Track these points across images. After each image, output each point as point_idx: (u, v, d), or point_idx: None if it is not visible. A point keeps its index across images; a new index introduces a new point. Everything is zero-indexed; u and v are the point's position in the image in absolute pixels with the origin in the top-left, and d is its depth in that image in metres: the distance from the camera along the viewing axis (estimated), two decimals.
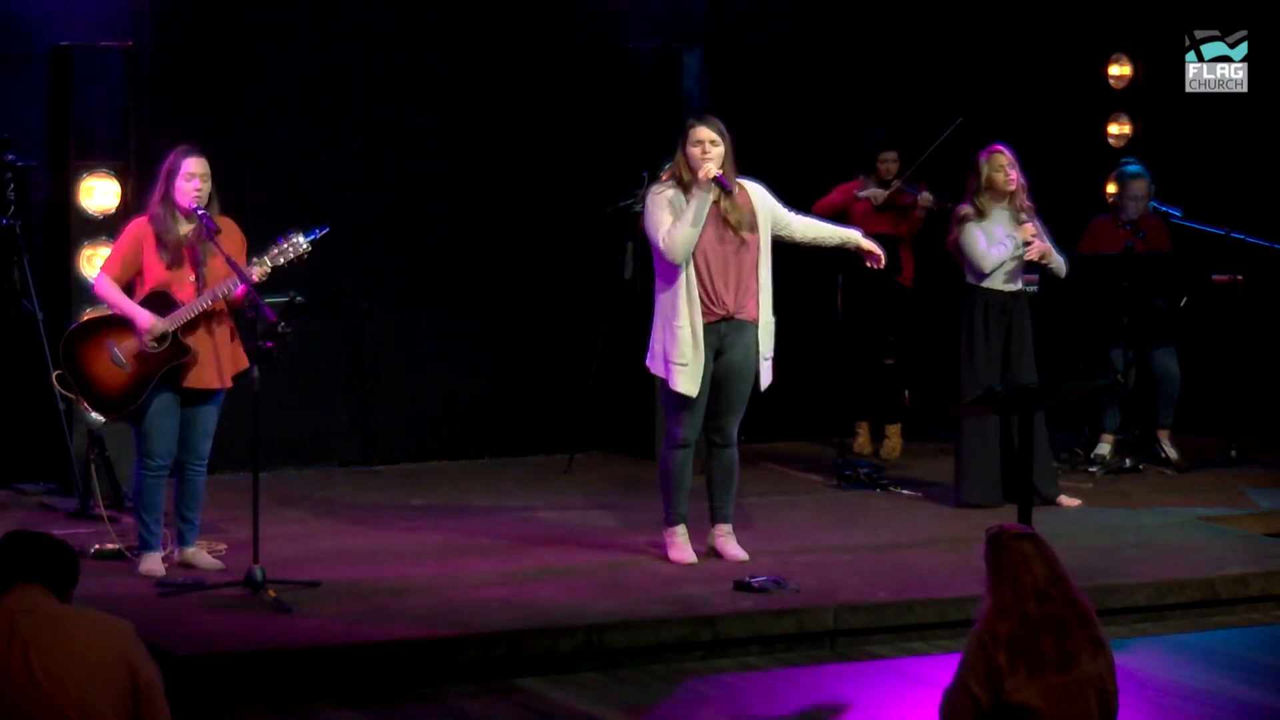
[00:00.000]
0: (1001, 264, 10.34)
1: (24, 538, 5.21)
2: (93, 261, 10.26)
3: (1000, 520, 6.14)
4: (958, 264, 10.54)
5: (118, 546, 9.19)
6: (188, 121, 10.78)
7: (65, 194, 10.41)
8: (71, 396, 9.19)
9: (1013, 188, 10.37)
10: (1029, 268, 10.56)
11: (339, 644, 7.87)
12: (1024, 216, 10.37)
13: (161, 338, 8.69)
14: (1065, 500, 10.51)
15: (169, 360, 8.71)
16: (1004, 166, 10.36)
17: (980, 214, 10.37)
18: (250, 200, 11.03)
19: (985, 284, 10.39)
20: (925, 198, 11.61)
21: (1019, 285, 10.46)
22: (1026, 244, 10.30)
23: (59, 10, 10.65)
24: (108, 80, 10.44)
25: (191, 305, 8.70)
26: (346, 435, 11.65)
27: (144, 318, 8.68)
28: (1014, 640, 5.50)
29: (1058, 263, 10.45)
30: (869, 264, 9.43)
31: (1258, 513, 10.56)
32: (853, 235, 9.51)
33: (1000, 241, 10.32)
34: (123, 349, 8.75)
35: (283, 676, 7.71)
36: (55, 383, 9.30)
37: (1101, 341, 11.65)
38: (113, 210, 10.32)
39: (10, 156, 10.28)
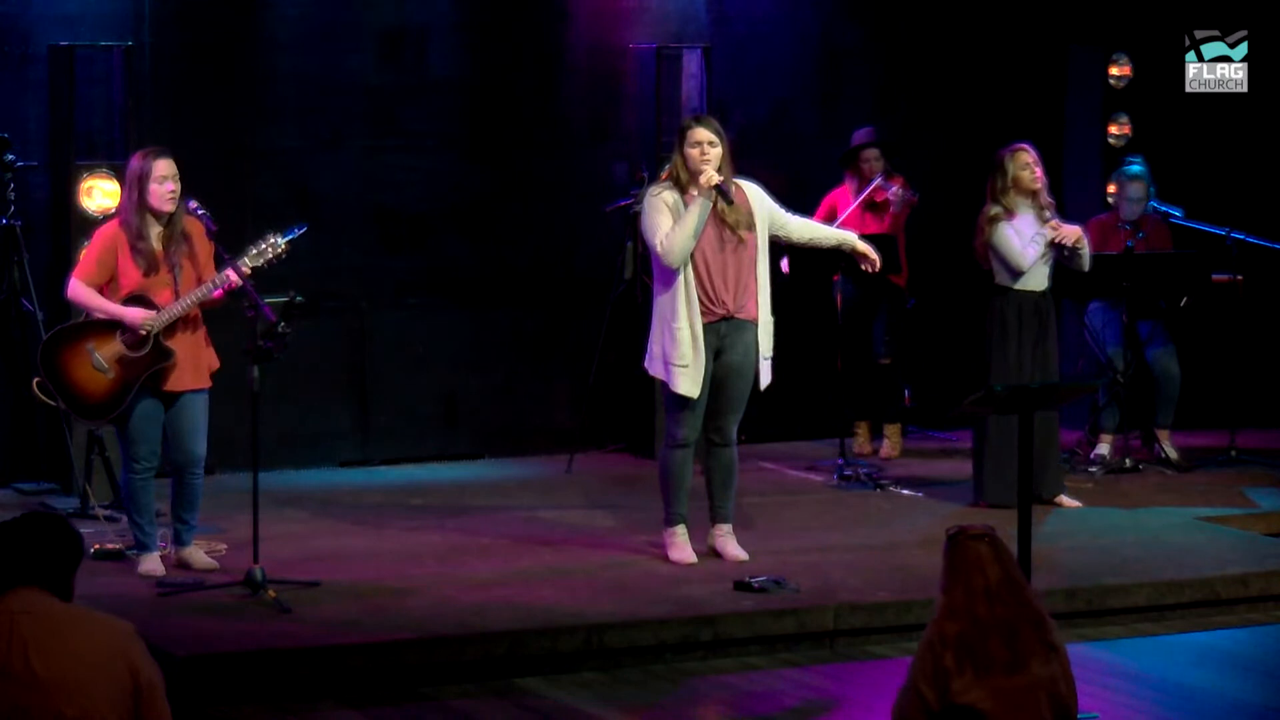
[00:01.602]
0: (1035, 262, 10.27)
1: (20, 533, 5.12)
2: None
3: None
4: (983, 267, 10.42)
5: (118, 546, 9.19)
6: (188, 121, 10.79)
7: (65, 194, 10.40)
8: (52, 404, 9.08)
9: (1038, 185, 10.29)
10: None
11: (339, 644, 7.87)
12: (1048, 214, 10.31)
13: (144, 340, 8.64)
14: (1065, 500, 10.50)
15: (151, 364, 8.67)
16: (1029, 164, 10.27)
17: (1008, 213, 10.32)
18: (250, 200, 11.05)
19: (1018, 285, 10.27)
20: (895, 192, 11.57)
21: (1048, 284, 10.40)
22: (1051, 241, 10.22)
23: (59, 10, 10.66)
24: (108, 80, 10.43)
25: (176, 305, 8.65)
26: (346, 435, 11.65)
27: (134, 314, 8.64)
28: (962, 642, 5.47)
29: (1087, 251, 10.39)
30: (864, 267, 9.43)
31: (1258, 513, 10.54)
32: (849, 237, 9.52)
33: (1032, 240, 10.26)
34: (104, 354, 8.69)
35: (283, 676, 7.71)
36: (36, 390, 9.20)
37: (1101, 341, 11.64)
38: (113, 210, 10.30)
39: (10, 156, 10.28)
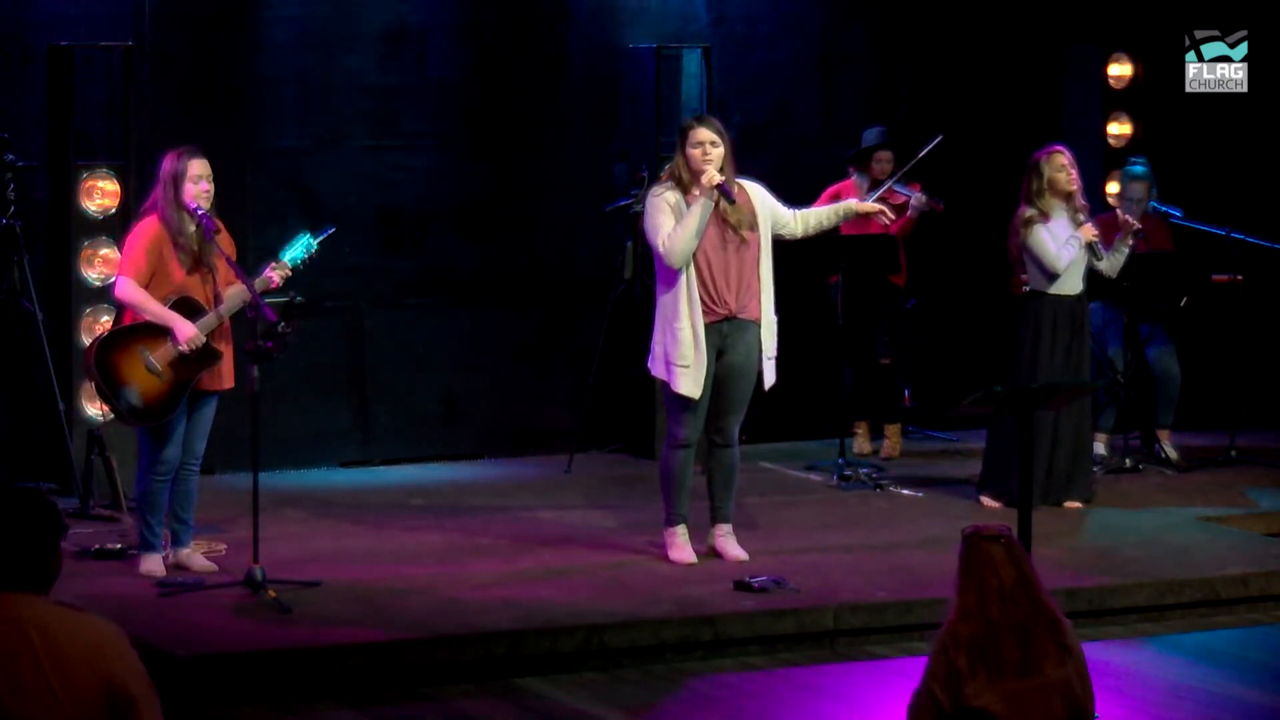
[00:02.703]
0: (1070, 266, 10.23)
1: None
2: (92, 262, 10.27)
3: (1004, 520, 6.12)
4: (1016, 271, 10.36)
5: (118, 546, 9.19)
6: (188, 122, 10.78)
7: (65, 194, 10.40)
8: (109, 408, 9.00)
9: (1074, 187, 10.24)
10: None
11: (339, 644, 7.87)
12: (1082, 217, 10.27)
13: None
14: (1067, 503, 10.47)
15: (203, 365, 8.67)
16: (1065, 166, 10.22)
17: (1043, 216, 10.25)
18: (250, 200, 11.05)
19: (1054, 290, 10.22)
20: (919, 198, 11.55)
21: (1082, 287, 10.39)
22: (1094, 240, 10.21)
23: (59, 10, 10.65)
24: (108, 80, 10.43)
25: (221, 308, 8.66)
26: (346, 435, 11.65)
27: (184, 328, 8.61)
28: (975, 644, 5.43)
29: (1126, 251, 10.42)
30: (883, 220, 9.42)
31: (1258, 513, 10.55)
32: (850, 205, 9.50)
33: (1067, 242, 10.22)
34: (157, 356, 8.64)
35: (283, 676, 7.72)
36: (95, 394, 9.22)
37: (1101, 341, 11.64)
38: (113, 210, 10.32)
39: (10, 156, 10.27)
